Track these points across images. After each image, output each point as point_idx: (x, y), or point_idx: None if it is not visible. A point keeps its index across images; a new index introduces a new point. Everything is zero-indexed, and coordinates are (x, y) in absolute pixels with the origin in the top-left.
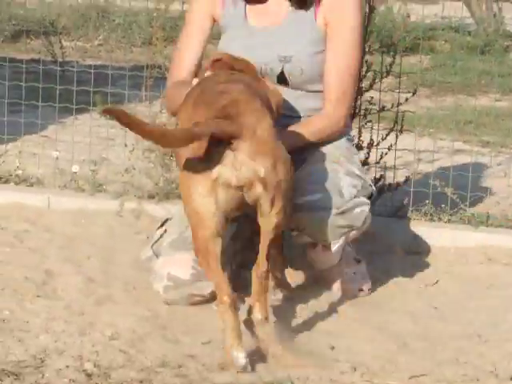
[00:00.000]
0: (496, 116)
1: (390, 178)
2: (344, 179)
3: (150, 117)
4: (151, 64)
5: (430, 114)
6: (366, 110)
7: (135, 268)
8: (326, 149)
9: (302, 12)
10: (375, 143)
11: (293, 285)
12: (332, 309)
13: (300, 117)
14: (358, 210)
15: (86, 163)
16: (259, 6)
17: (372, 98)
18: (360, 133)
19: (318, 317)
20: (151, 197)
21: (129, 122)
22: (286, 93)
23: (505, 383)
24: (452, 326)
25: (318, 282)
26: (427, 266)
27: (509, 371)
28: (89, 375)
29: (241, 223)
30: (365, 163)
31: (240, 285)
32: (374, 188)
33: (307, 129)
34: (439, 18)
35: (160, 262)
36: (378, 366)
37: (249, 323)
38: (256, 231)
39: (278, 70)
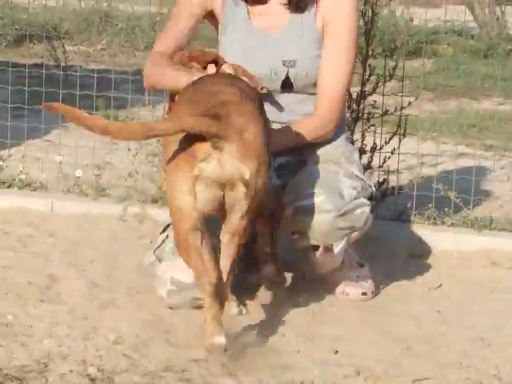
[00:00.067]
0: (499, 120)
1: (393, 181)
2: (344, 181)
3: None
4: None
5: (433, 117)
6: (369, 113)
7: (139, 272)
8: (325, 149)
9: (303, 15)
10: (378, 147)
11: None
12: (335, 312)
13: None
14: (358, 211)
15: (90, 167)
16: (260, 8)
17: (375, 101)
18: (363, 137)
19: (321, 321)
20: (155, 201)
21: (70, 116)
22: (290, 97)
23: None
24: (455, 329)
25: (320, 285)
26: (430, 269)
27: None
28: (92, 380)
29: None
30: (368, 167)
31: (244, 289)
32: (373, 188)
33: (299, 129)
34: (442, 21)
35: (163, 267)
36: (381, 369)
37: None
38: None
39: (283, 75)
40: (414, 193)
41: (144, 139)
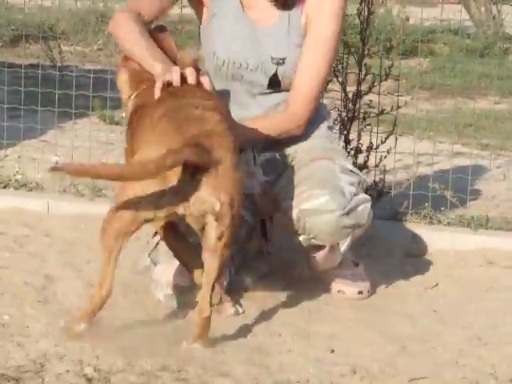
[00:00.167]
0: (495, 119)
1: (389, 181)
2: (342, 178)
3: None
4: None
5: (429, 116)
6: (365, 113)
7: (135, 272)
8: (310, 142)
9: (291, 12)
10: (374, 146)
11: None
12: (331, 311)
13: None
14: (361, 207)
15: None
16: (251, 1)
17: (371, 101)
18: (359, 136)
19: (317, 319)
20: None
21: (83, 173)
22: (277, 95)
23: None
24: (451, 328)
25: (316, 284)
26: (427, 268)
27: (508, 374)
28: (89, 380)
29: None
30: (364, 166)
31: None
32: (367, 180)
33: (269, 123)
34: (438, 20)
35: (159, 271)
36: (377, 368)
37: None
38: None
39: (272, 72)
40: (411, 192)
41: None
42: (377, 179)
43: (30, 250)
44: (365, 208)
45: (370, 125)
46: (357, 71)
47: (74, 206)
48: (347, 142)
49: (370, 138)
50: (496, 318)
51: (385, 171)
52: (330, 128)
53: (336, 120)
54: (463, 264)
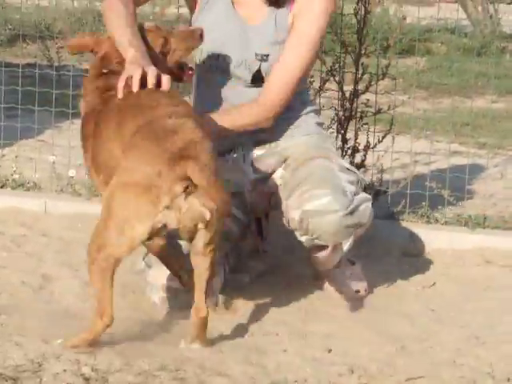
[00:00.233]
0: (492, 118)
1: (386, 180)
2: (342, 177)
3: None
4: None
5: (426, 115)
6: (362, 112)
7: (132, 272)
8: (302, 141)
9: (280, 10)
10: (372, 146)
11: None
12: (328, 311)
13: None
14: (363, 206)
15: (83, 167)
16: None
17: (368, 100)
18: (356, 135)
19: (315, 319)
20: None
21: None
22: (259, 90)
23: None
24: (449, 327)
25: (313, 283)
26: (424, 268)
27: (505, 373)
28: (86, 379)
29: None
30: (361, 165)
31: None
32: (364, 178)
33: (236, 114)
34: (435, 19)
35: (153, 274)
36: (375, 368)
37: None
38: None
39: (255, 68)
40: (408, 191)
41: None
42: (374, 178)
43: (27, 250)
44: (366, 207)
45: (367, 124)
46: (354, 70)
47: (71, 206)
48: (344, 141)
49: (367, 137)
50: (493, 317)
51: (382, 170)
52: (320, 124)
53: (333, 119)
54: (461, 263)
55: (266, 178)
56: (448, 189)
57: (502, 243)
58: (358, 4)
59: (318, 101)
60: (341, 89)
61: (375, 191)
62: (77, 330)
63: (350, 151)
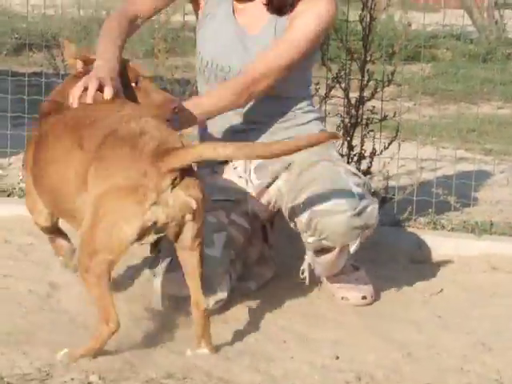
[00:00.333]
0: (498, 124)
1: (392, 186)
2: (348, 179)
3: None
4: (154, 76)
5: (432, 122)
6: (368, 119)
7: (139, 280)
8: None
9: (281, 19)
10: (378, 152)
11: None
12: (335, 318)
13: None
14: (370, 208)
15: None
16: (248, 5)
17: (374, 107)
18: (362, 142)
19: (322, 326)
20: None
21: None
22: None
23: None
24: (456, 334)
25: (320, 290)
26: (431, 274)
27: None
28: None
29: (229, 231)
30: (367, 172)
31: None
32: (370, 183)
33: (215, 92)
34: (441, 26)
35: (158, 283)
36: (382, 375)
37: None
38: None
39: None
40: (414, 198)
41: None
42: (380, 185)
43: (34, 258)
44: (373, 209)
45: (372, 131)
46: (359, 77)
47: None
48: (350, 148)
49: (373, 144)
50: (500, 323)
51: (388, 177)
52: (324, 132)
53: (339, 126)
54: (467, 270)
55: (270, 184)
56: (454, 195)
57: (509, 249)
58: (363, 11)
59: (323, 108)
60: (346, 96)
61: (381, 198)
62: (84, 339)
63: (355, 158)
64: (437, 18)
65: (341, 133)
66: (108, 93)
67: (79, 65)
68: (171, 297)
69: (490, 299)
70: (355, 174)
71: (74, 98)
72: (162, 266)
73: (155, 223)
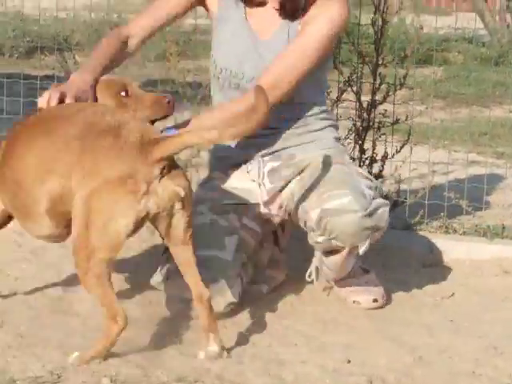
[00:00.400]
0: (510, 127)
1: (404, 190)
2: (360, 181)
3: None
4: (165, 79)
5: (444, 125)
6: (379, 122)
7: (149, 284)
8: (319, 153)
9: (293, 24)
10: (389, 156)
11: None
12: (346, 322)
13: (280, 127)
14: (381, 210)
15: None
16: (258, 10)
17: (386, 110)
18: (374, 145)
19: (333, 330)
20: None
21: None
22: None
23: None
24: (467, 338)
25: (331, 294)
26: (442, 278)
27: None
28: None
29: (241, 235)
30: (379, 176)
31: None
32: (381, 187)
33: (225, 109)
34: (452, 29)
35: (171, 285)
36: (393, 378)
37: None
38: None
39: None
40: (426, 201)
41: None
42: (392, 189)
43: (46, 261)
44: (384, 211)
45: (384, 134)
46: (371, 81)
47: None
48: (362, 151)
49: (385, 148)
50: None
51: (400, 180)
52: (338, 139)
53: (350, 130)
54: (479, 273)
55: (283, 188)
56: (466, 199)
57: None
58: (375, 14)
59: (335, 111)
60: (358, 99)
61: (393, 201)
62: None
63: (367, 161)
64: (449, 22)
65: (352, 136)
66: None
67: None
68: (183, 299)
69: (501, 303)
70: (367, 178)
71: (38, 109)
72: (173, 269)
73: (147, 214)
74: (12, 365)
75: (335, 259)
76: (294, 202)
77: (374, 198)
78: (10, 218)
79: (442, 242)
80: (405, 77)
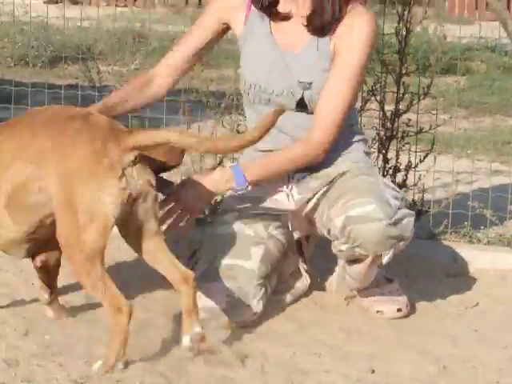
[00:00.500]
0: None
1: (428, 199)
2: (386, 191)
3: None
4: (188, 88)
5: (467, 135)
6: (403, 132)
7: (174, 292)
8: (347, 166)
9: (322, 39)
10: (413, 165)
11: None
12: (370, 331)
13: None
14: (406, 220)
15: None
16: (283, 24)
17: (409, 120)
18: (398, 155)
19: (357, 340)
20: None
21: None
22: (303, 117)
23: None
24: (492, 348)
25: (355, 304)
26: (466, 288)
27: None
28: None
29: (267, 245)
30: (403, 185)
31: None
32: (407, 198)
33: (282, 157)
34: (475, 38)
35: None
36: None
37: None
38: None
39: (299, 96)
40: (450, 211)
41: None
42: (416, 198)
43: (69, 271)
44: (409, 221)
45: (408, 143)
46: (395, 90)
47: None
48: (386, 160)
49: (409, 157)
50: None
51: (423, 190)
52: (368, 154)
53: (374, 139)
54: (503, 283)
55: (310, 199)
56: (490, 208)
57: None
58: (399, 23)
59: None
60: (382, 108)
61: (417, 211)
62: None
63: (391, 171)
64: (471, 30)
65: (376, 146)
66: None
67: None
68: (207, 309)
69: None
70: (394, 189)
71: None
72: (197, 278)
73: (129, 196)
74: (37, 374)
75: (359, 268)
76: (319, 211)
77: (399, 208)
78: None
79: (466, 251)
80: (429, 86)
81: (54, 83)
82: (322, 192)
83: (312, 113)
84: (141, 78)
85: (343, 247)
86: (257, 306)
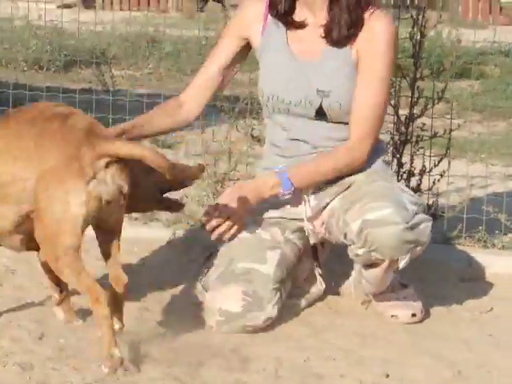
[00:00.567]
0: None
1: (442, 204)
2: (403, 196)
3: (201, 145)
4: None
5: (481, 139)
6: (417, 136)
7: (189, 296)
8: (365, 174)
9: (341, 49)
10: (427, 170)
11: None
12: (385, 336)
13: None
14: (423, 225)
15: None
16: (299, 32)
17: (424, 124)
18: (412, 159)
19: (371, 344)
20: (204, 225)
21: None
22: (325, 124)
23: None
24: (507, 352)
25: (369, 309)
26: (481, 293)
27: None
28: None
29: (283, 249)
30: (417, 190)
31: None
32: (424, 204)
33: (330, 164)
34: (489, 42)
35: (210, 297)
36: None
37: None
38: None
39: (317, 105)
40: (464, 215)
41: None
42: (430, 202)
43: None
44: (426, 226)
45: (422, 148)
46: (409, 94)
47: (128, 231)
48: (400, 165)
49: (423, 161)
50: None
51: (438, 194)
52: (386, 163)
53: (388, 143)
54: None
55: (326, 205)
56: (505, 213)
57: None
58: (413, 28)
59: None
60: (396, 113)
61: (431, 215)
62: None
63: (405, 175)
64: (484, 35)
65: (390, 150)
66: None
67: None
68: (222, 311)
69: None
70: (411, 194)
71: None
72: (213, 280)
73: (100, 200)
74: (52, 377)
75: (375, 272)
76: (335, 216)
77: (416, 213)
78: None
79: (480, 256)
80: (443, 90)
81: (69, 87)
82: (338, 199)
83: (332, 121)
84: (172, 102)
85: (360, 251)
86: (272, 310)
